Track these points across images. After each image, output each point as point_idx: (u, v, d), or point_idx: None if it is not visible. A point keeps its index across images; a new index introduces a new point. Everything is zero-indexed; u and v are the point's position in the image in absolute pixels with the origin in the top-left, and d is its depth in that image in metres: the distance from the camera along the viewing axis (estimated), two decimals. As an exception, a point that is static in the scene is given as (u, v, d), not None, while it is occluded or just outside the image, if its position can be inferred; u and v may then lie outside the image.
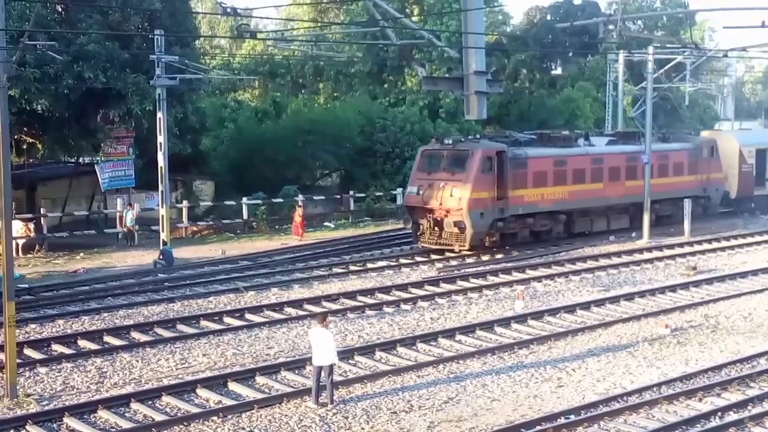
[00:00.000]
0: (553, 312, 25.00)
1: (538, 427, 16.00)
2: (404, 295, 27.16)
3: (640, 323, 24.07)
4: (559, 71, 67.20)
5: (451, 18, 51.02)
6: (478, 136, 38.02)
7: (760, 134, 56.52)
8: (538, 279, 29.71)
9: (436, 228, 33.74)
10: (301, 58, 58.10)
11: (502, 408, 17.47)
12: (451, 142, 34.72)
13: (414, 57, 51.06)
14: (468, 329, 23.07)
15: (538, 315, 24.60)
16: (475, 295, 27.44)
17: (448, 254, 33.51)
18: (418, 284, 28.76)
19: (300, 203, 42.22)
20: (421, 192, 34.03)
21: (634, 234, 38.59)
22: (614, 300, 26.51)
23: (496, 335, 22.87)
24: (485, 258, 33.48)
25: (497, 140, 35.87)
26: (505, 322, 23.86)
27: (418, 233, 34.58)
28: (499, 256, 33.96)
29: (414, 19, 50.62)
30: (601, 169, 37.75)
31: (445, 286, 28.55)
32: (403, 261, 32.90)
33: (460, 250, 33.46)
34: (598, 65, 60.98)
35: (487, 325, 23.45)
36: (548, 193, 35.61)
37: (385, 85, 57.25)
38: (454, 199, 33.05)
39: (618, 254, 34.41)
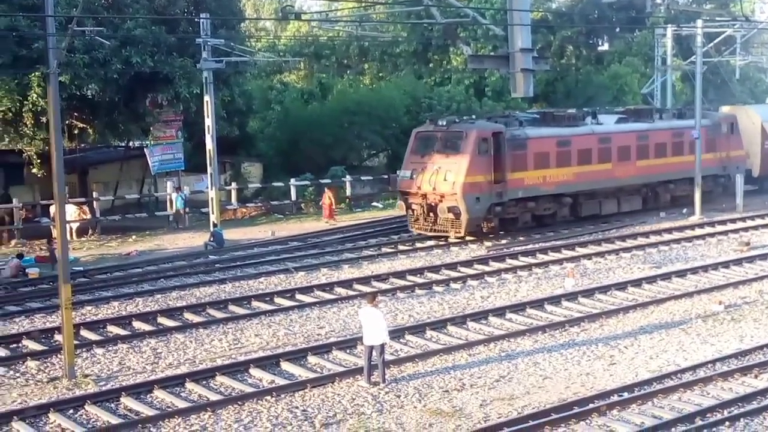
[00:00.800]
0: (604, 289, 24.85)
1: (591, 405, 15.96)
2: (454, 274, 27.18)
3: (693, 300, 23.85)
4: (606, 47, 66.37)
5: (496, -5, 50.64)
6: (473, 117, 35.95)
7: None
8: (588, 256, 29.53)
9: (431, 214, 32.23)
10: (346, 39, 58.01)
11: (554, 386, 17.44)
12: (444, 123, 33.04)
13: (459, 35, 50.81)
14: (518, 307, 23.05)
15: (588, 292, 24.48)
16: (525, 273, 27.37)
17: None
18: (468, 263, 28.74)
19: (328, 186, 41.65)
20: (414, 176, 32.59)
21: (685, 210, 38.11)
22: (666, 277, 26.27)
23: (546, 313, 22.81)
24: (536, 236, 33.34)
25: (496, 120, 34.12)
26: (555, 299, 23.78)
27: (412, 219, 33.17)
28: (549, 233, 33.77)
29: (458, -3, 50.33)
30: (609, 149, 36.05)
31: (495, 265, 28.50)
32: (452, 240, 32.85)
33: (455, 237, 32.17)
34: (646, 40, 60.05)
35: (538, 303, 23.40)
36: (551, 176, 33.95)
37: (431, 65, 57.02)
38: (447, 183, 31.55)
39: (669, 231, 34.08)
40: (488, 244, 32.00)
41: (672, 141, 38.63)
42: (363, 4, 55.36)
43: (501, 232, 33.42)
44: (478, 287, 25.74)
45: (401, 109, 50.44)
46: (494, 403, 16.53)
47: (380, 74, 59.32)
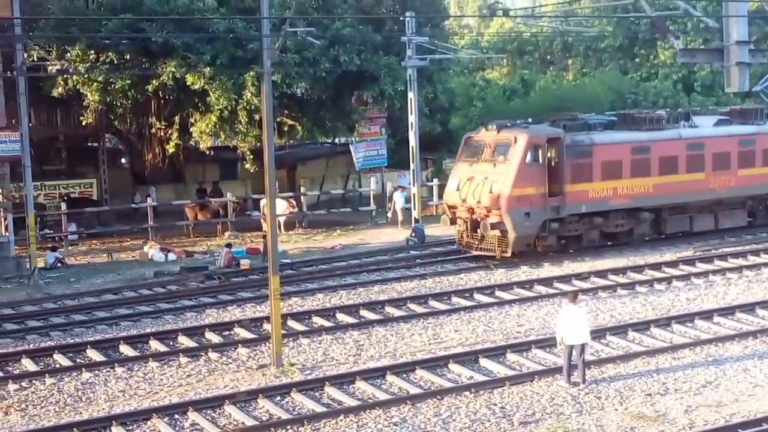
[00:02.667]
0: (822, 295, 23.51)
1: (806, 417, 15.19)
2: (658, 275, 26.44)
3: None
4: (829, 38, 62.58)
5: (709, -14, 48.74)
6: (529, 120, 31.61)
7: None
8: (806, 260, 27.99)
9: (477, 230, 28.99)
10: (550, 35, 57.44)
11: (766, 395, 16.67)
12: (494, 127, 29.54)
13: (668, 28, 49.26)
14: (727, 311, 22.14)
15: (805, 298, 23.22)
16: (734, 276, 26.25)
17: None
18: (673, 264, 27.88)
19: None
20: (460, 187, 29.41)
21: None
22: None
23: (758, 318, 21.78)
24: (748, 236, 31.87)
25: (563, 125, 29.97)
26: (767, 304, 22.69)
27: (458, 236, 30.31)
28: (763, 234, 32.15)
29: (668, -12, 48.83)
30: (702, 156, 31.49)
31: (702, 266, 27.50)
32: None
33: (502, 258, 28.74)
34: None
35: (748, 308, 22.38)
36: (624, 187, 29.87)
37: (636, 59, 55.62)
38: (493, 196, 28.16)
39: None
40: (697, 244, 30.83)
41: None
42: (568, -1, 54.72)
43: (571, 251, 29.93)
44: (684, 288, 24.91)
45: (605, 106, 49.30)
46: (700, 410, 15.98)
47: (584, 70, 58.40)
